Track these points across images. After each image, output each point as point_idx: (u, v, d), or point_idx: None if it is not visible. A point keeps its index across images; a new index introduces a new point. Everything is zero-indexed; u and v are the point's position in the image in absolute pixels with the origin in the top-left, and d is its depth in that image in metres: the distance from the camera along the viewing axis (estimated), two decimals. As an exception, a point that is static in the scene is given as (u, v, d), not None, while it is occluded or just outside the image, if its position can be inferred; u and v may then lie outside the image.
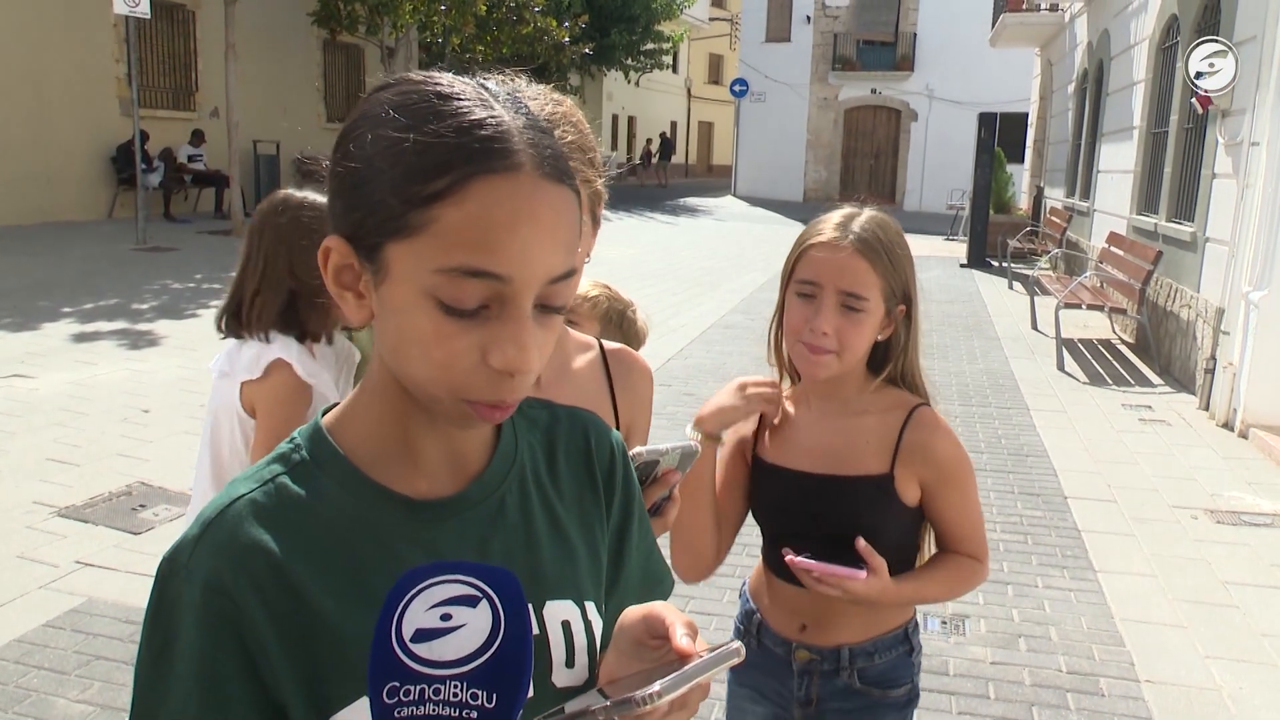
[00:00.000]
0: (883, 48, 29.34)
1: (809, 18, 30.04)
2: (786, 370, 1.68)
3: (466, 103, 0.74)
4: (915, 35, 29.04)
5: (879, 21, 29.34)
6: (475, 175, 0.71)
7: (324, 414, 0.86)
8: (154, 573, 0.77)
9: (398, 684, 0.65)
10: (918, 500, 1.59)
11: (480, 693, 0.65)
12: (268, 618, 0.74)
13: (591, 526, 0.94)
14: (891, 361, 1.62)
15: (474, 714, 0.64)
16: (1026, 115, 20.55)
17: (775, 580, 1.67)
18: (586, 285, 2.15)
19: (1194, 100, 7.36)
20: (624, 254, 15.11)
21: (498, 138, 0.72)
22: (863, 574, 1.47)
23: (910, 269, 1.61)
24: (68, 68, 14.41)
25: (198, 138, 16.18)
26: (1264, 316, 6.19)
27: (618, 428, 1.34)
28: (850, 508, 1.56)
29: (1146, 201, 9.71)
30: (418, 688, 0.64)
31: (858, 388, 1.61)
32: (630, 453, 1.21)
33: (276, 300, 2.02)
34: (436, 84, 0.76)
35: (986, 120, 14.49)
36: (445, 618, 0.67)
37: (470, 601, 0.68)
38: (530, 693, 0.78)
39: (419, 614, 0.67)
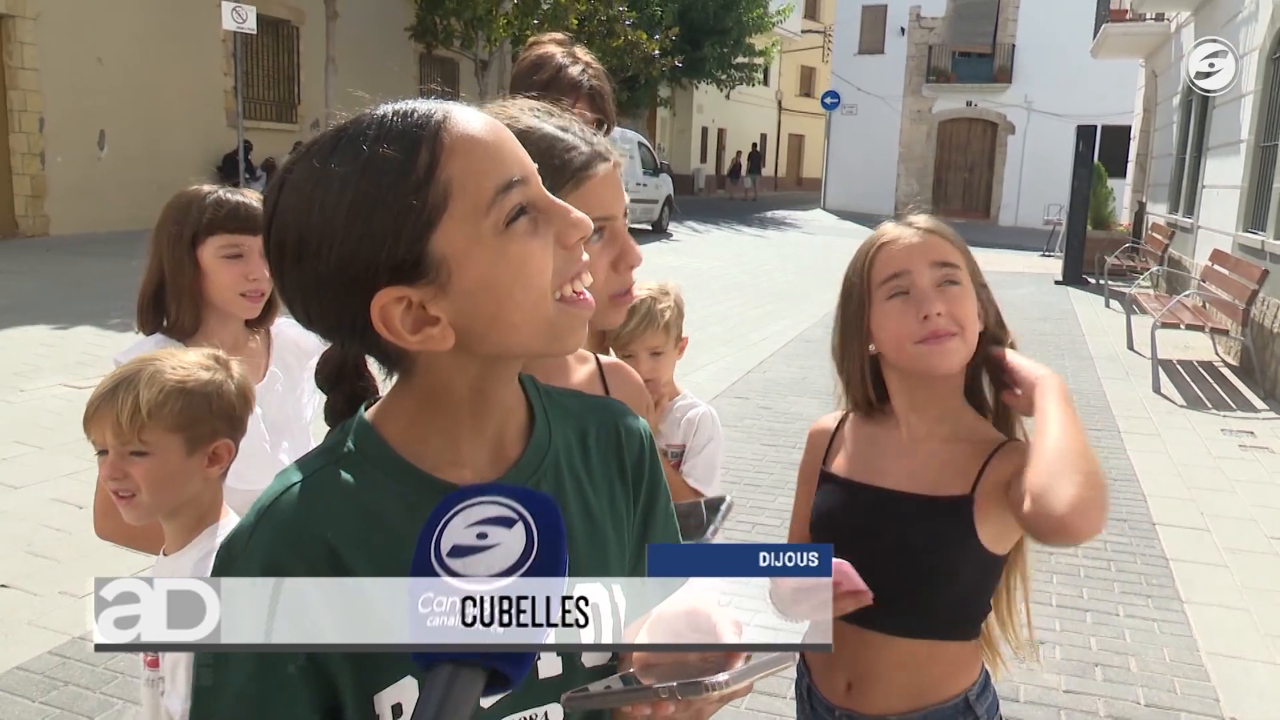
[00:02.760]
0: (979, 59, 28.75)
1: (903, 29, 29.64)
2: (861, 400, 1.53)
3: (383, 111, 0.80)
4: (1014, 46, 28.38)
5: (976, 32, 28.76)
6: (444, 130, 0.78)
7: (366, 409, 0.90)
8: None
9: (432, 594, 0.68)
10: (997, 547, 1.43)
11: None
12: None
13: (620, 513, 0.98)
14: (990, 396, 1.48)
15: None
16: (1129, 128, 19.89)
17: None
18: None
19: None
20: (709, 265, 15.10)
21: (441, 103, 0.82)
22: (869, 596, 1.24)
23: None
24: (180, 81, 15.08)
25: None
26: (1377, 340, 5.86)
27: None
28: (923, 531, 1.42)
29: (1254, 218, 9.30)
30: (449, 599, 0.68)
31: (955, 415, 1.47)
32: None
33: (150, 289, 1.89)
34: (342, 127, 0.82)
35: (1085, 133, 14.08)
36: (481, 535, 0.70)
37: (506, 523, 0.71)
38: (559, 670, 0.87)
39: (458, 531, 0.70)
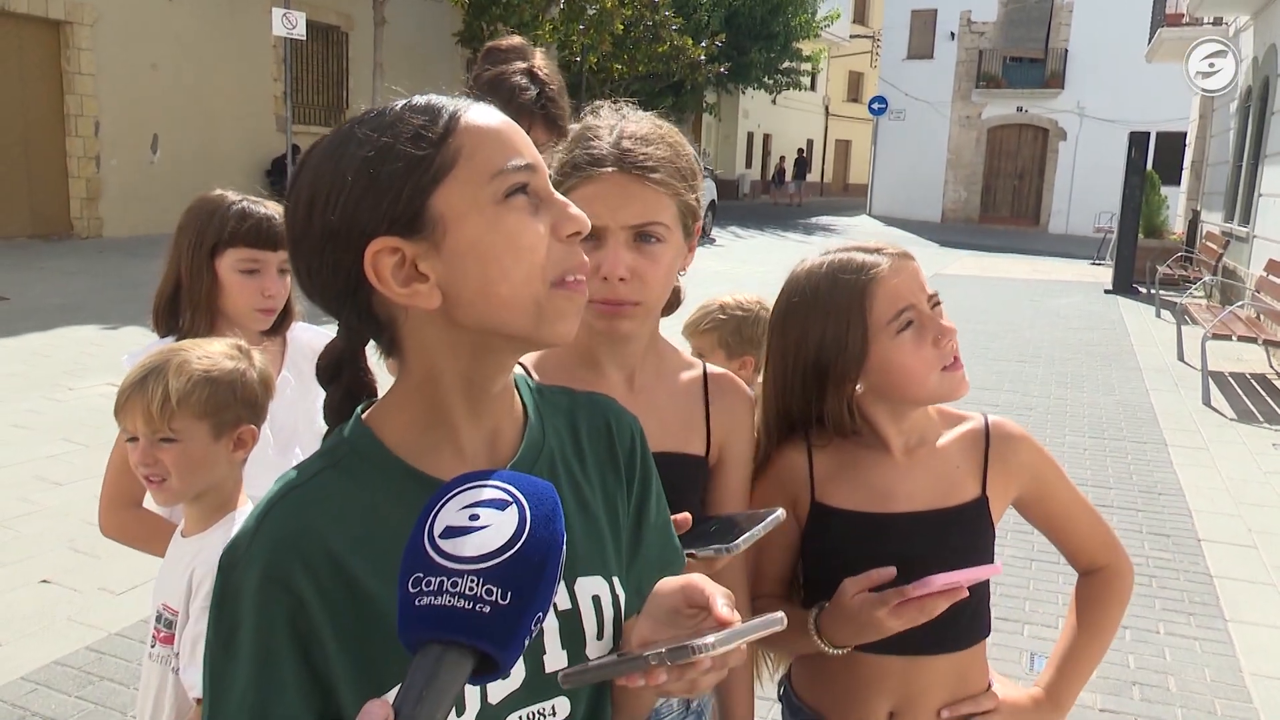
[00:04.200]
0: (1031, 64, 28.34)
1: (953, 34, 29.31)
2: (849, 431, 1.46)
3: (413, 98, 0.86)
4: (1066, 51, 27.93)
5: (1029, 37, 28.35)
6: (464, 112, 0.83)
7: (363, 410, 0.90)
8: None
9: (421, 574, 0.69)
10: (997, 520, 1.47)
11: (495, 589, 0.67)
12: (322, 603, 0.80)
13: (615, 505, 0.99)
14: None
15: (486, 608, 0.67)
16: (1184, 135, 19.48)
17: (855, 656, 1.39)
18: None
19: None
20: (753, 271, 15.04)
21: (454, 98, 0.87)
22: (998, 566, 1.29)
23: None
24: (231, 86, 15.36)
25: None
26: None
27: (709, 447, 1.38)
28: (957, 542, 1.40)
29: (1311, 227, 9.06)
30: (437, 579, 0.68)
31: (928, 417, 1.48)
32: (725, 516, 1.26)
33: (166, 291, 1.90)
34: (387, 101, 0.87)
35: (1138, 139, 13.81)
36: (473, 517, 0.70)
37: (500, 505, 0.71)
38: (565, 664, 0.88)
39: (451, 512, 0.71)
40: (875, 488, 1.44)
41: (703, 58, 21.49)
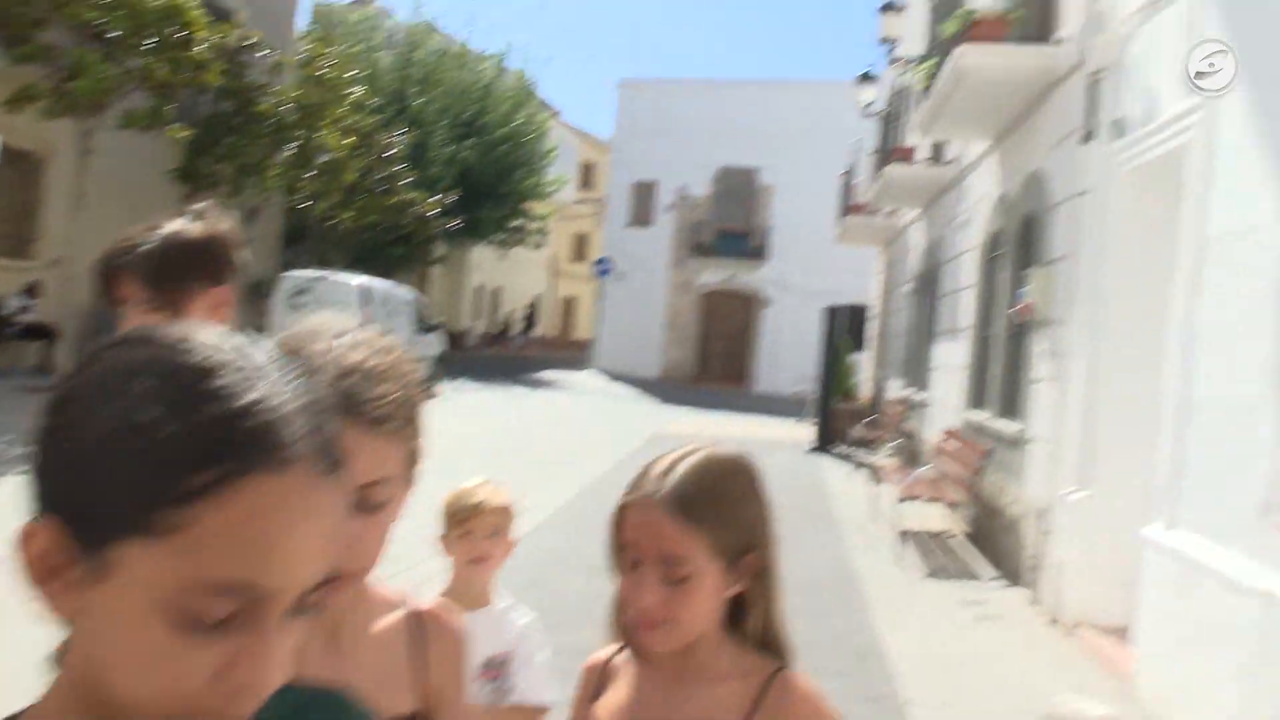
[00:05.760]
0: (739, 237, 31.07)
1: (670, 205, 31.62)
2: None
3: (233, 380, 0.64)
4: (769, 228, 30.86)
5: (737, 213, 31.17)
6: (242, 474, 0.61)
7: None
8: None
9: None
10: None
11: None
12: None
13: None
14: (749, 619, 1.40)
15: None
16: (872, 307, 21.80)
17: None
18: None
19: (1014, 310, 7.93)
20: (476, 429, 14.92)
21: (270, 427, 0.63)
22: None
23: (755, 511, 1.39)
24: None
25: (33, 288, 15.42)
26: (1083, 517, 6.48)
27: (421, 698, 1.20)
28: None
29: (977, 398, 10.26)
30: None
31: (712, 651, 1.39)
32: None
33: None
34: (194, 353, 0.65)
35: (831, 312, 15.29)
36: None
37: None
38: None
39: None
40: (642, 708, 1.38)
41: (434, 212, 21.72)
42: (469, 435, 13.88)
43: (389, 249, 23.73)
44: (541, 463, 12.02)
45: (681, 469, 1.34)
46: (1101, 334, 6.53)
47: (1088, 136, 6.92)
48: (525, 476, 10.77)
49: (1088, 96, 6.96)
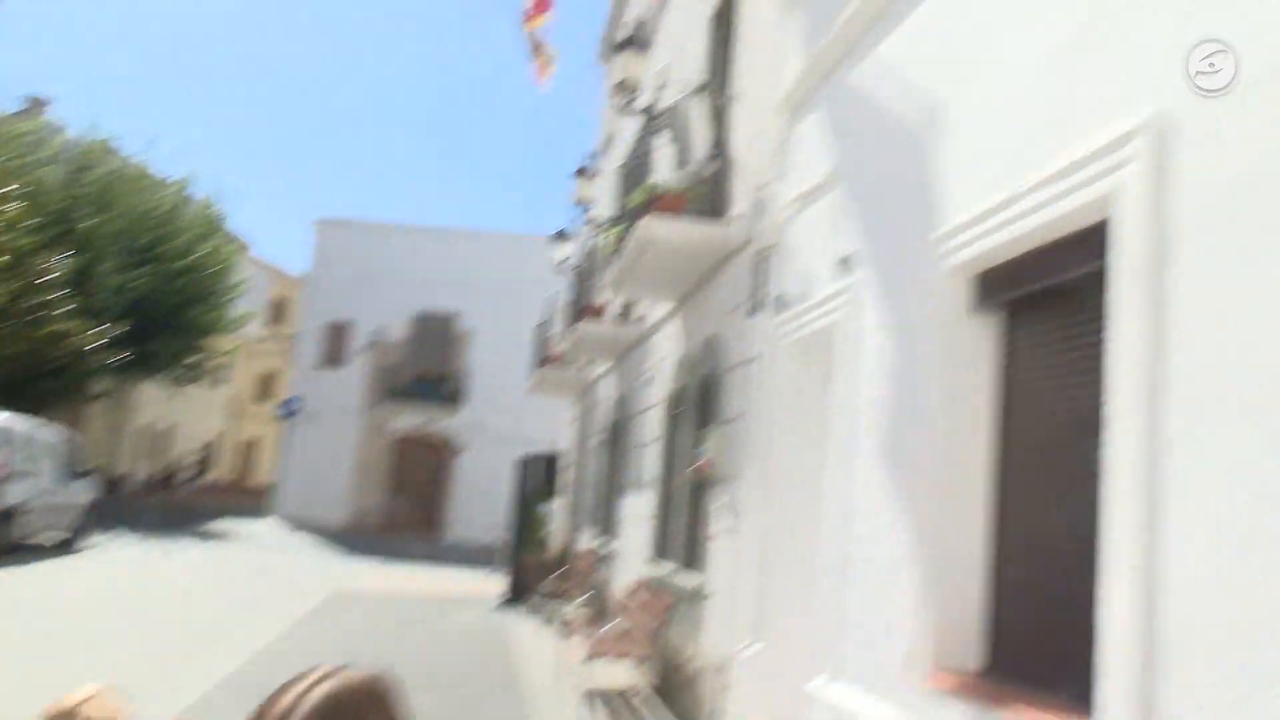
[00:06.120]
0: (435, 382, 30.71)
1: (365, 347, 30.82)
2: None
3: None
4: (465, 375, 30.80)
5: (433, 358, 30.89)
6: None
7: None
8: None
9: None
10: None
11: None
12: None
13: None
14: None
15: None
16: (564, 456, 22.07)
17: None
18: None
19: (694, 466, 8.26)
20: (124, 589, 13.27)
21: None
22: None
23: None
24: None
25: None
26: (758, 671, 6.66)
27: None
28: None
29: (662, 550, 10.50)
30: None
31: None
32: None
33: None
34: None
35: (524, 463, 15.27)
36: None
37: None
38: None
39: None
40: None
41: (93, 345, 19.72)
42: (112, 598, 12.31)
43: (38, 382, 21.15)
44: (197, 631, 10.77)
45: (306, 708, 1.21)
46: (772, 493, 6.91)
47: (754, 309, 7.48)
48: (174, 649, 9.60)
49: (754, 272, 7.57)
